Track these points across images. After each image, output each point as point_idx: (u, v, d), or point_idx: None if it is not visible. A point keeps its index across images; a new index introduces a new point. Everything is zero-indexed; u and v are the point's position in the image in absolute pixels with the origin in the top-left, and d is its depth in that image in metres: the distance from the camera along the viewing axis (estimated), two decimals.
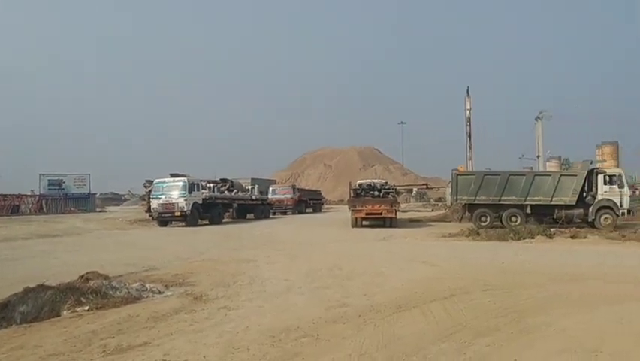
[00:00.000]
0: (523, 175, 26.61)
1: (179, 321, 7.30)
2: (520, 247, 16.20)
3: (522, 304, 7.86)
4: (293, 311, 7.75)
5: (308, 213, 46.38)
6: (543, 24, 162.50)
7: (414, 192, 74.04)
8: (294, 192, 45.58)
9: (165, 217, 29.28)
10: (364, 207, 26.65)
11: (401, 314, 7.41)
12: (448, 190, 31.26)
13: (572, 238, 18.65)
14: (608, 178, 25.57)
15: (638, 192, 49.37)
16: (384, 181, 30.97)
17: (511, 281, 9.73)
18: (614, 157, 57.53)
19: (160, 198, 29.14)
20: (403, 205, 43.33)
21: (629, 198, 25.79)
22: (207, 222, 30.47)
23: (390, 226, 26.38)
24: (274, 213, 41.65)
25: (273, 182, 56.23)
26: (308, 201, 49.35)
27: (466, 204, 26.56)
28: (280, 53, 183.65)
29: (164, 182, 30.14)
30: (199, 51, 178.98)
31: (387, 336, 6.37)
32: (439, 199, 61.01)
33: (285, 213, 43.30)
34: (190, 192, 29.22)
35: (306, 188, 61.85)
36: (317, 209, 51.05)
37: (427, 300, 8.26)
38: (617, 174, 25.84)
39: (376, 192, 28.25)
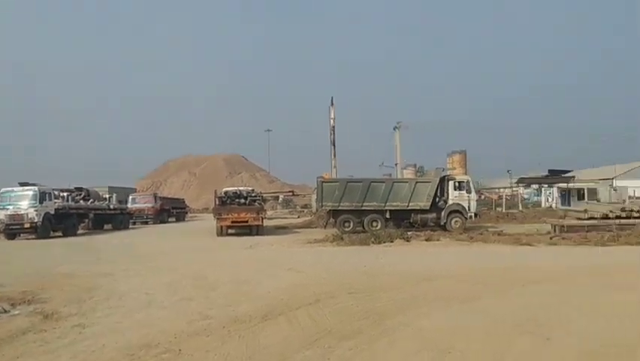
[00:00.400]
0: (383, 182, 27.93)
1: (27, 343, 6.65)
2: (380, 251, 16.89)
3: (383, 306, 8.15)
4: (154, 326, 7.36)
5: (171, 222, 44.82)
6: (399, 39, 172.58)
7: (280, 199, 74.72)
8: (155, 201, 43.82)
9: (13, 229, 26.87)
10: (230, 215, 26.33)
11: (266, 323, 7.34)
12: (314, 197, 31.91)
13: (426, 240, 19.86)
14: (457, 184, 27.54)
15: (483, 196, 54.16)
16: (250, 189, 30.80)
17: (373, 284, 10.07)
18: (463, 165, 62.48)
19: (7, 209, 26.64)
20: (269, 213, 43.43)
21: (476, 203, 28.08)
22: (61, 233, 28.32)
23: (257, 234, 26.29)
24: (134, 223, 39.75)
25: (132, 190, 53.64)
26: (171, 210, 47.74)
27: (330, 210, 27.18)
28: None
29: (12, 191, 27.64)
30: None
31: (252, 347, 6.26)
32: (305, 206, 62.03)
33: (146, 222, 41.48)
34: (41, 202, 27.01)
35: (169, 196, 59.84)
36: (180, 218, 49.54)
37: (292, 307, 8.27)
38: (465, 181, 27.96)
39: (242, 200, 28.02)
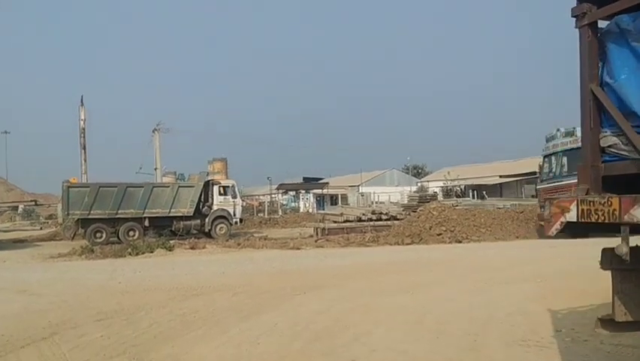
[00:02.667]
0: (142, 187, 25.42)
1: None
2: (139, 263, 14.80)
3: (143, 333, 6.41)
4: None
5: None
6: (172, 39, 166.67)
7: (20, 209, 65.48)
8: None
9: None
10: None
11: None
12: (60, 206, 27.98)
13: (191, 248, 18.25)
14: (222, 189, 26.54)
15: (245, 203, 54.35)
16: None
17: (130, 304, 8.20)
18: (224, 172, 62.14)
19: None
20: (6, 225, 37.22)
21: (241, 208, 27.35)
22: None
23: None
24: None
25: None
26: None
27: (79, 219, 23.93)
28: None
29: None
30: None
31: None
32: (50, 216, 55.14)
33: None
34: None
35: None
36: None
37: (16, 345, 6.06)
38: (230, 185, 27.08)
39: None
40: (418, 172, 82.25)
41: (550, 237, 14.01)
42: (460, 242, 17.80)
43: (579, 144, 14.82)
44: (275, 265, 13.09)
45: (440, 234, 18.20)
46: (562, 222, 3.90)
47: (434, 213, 19.93)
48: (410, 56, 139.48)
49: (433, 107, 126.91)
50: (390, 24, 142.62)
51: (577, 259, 11.98)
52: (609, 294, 7.77)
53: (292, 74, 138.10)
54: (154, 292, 9.39)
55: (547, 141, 18.61)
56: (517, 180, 53.42)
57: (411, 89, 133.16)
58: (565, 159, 17.88)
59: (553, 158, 18.49)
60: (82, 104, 35.17)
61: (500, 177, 55.48)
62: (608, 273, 4.31)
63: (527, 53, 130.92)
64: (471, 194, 48.93)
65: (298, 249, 17.49)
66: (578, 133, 17.40)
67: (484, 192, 48.29)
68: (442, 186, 56.93)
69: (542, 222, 18.51)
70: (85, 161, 35.11)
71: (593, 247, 14.08)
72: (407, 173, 78.58)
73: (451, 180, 59.14)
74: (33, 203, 71.35)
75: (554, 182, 18.01)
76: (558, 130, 18.02)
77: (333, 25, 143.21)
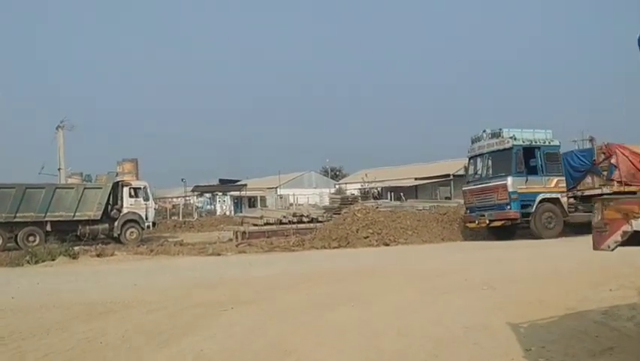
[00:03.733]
0: (43, 188, 23.24)
1: None
2: (38, 273, 13.08)
3: None
4: None
5: None
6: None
7: None
8: None
9: None
10: None
11: None
12: None
13: (98, 256, 16.56)
14: (133, 191, 24.85)
15: (157, 206, 51.83)
16: None
17: (22, 326, 6.81)
18: (135, 173, 59.01)
19: None
20: None
21: (154, 211, 25.71)
22: None
23: None
24: None
25: None
26: None
27: None
28: None
29: None
30: None
31: None
32: None
33: None
34: None
35: None
36: None
37: None
38: (142, 187, 25.42)
39: None
40: (335, 174, 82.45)
41: (475, 239, 13.64)
42: (388, 245, 17.31)
43: (505, 146, 14.75)
44: (194, 274, 11.85)
45: (367, 237, 17.64)
46: (625, 232, 2.90)
47: (359, 215, 19.40)
48: (326, 58, 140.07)
49: (351, 108, 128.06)
50: (299, 26, 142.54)
51: (516, 262, 11.73)
52: (567, 304, 7.39)
53: (206, 71, 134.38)
54: (53, 310, 7.97)
55: (473, 142, 18.55)
56: (431, 183, 54.55)
57: (328, 90, 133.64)
58: (491, 161, 17.87)
59: (479, 159, 18.45)
60: None
61: (415, 179, 56.45)
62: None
63: (440, 55, 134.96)
64: (388, 196, 49.26)
65: (219, 255, 16.31)
66: (505, 134, 17.43)
67: (402, 194, 48.83)
68: (359, 188, 57.15)
69: (469, 224, 18.57)
70: None
71: (526, 249, 13.99)
72: (325, 175, 78.56)
73: (369, 182, 59.52)
74: None
75: (480, 183, 17.96)
76: (484, 131, 17.99)
77: (245, 20, 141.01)
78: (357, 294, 8.40)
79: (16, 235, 21.83)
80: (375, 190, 57.50)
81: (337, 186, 65.76)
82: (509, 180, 16.88)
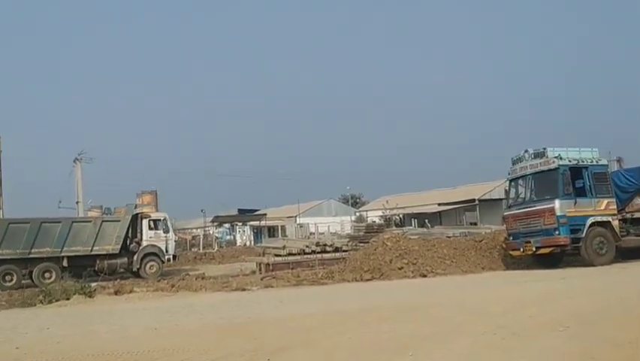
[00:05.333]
0: (59, 222, 22.47)
1: None
2: (50, 315, 12.03)
3: None
4: None
5: None
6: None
7: None
8: None
9: None
10: None
11: None
12: None
13: (116, 293, 15.50)
14: (152, 223, 24.02)
15: (178, 237, 51.04)
16: None
17: None
18: (155, 205, 58.47)
19: None
20: None
21: (174, 243, 24.82)
22: None
23: None
24: None
25: None
26: None
27: None
28: None
29: None
30: None
31: None
32: None
33: None
34: None
35: None
36: None
37: None
38: (162, 219, 24.59)
39: None
40: (355, 202, 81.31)
41: (518, 267, 12.28)
42: (425, 276, 16.00)
43: (551, 166, 13.51)
44: (220, 314, 10.70)
45: (402, 267, 16.34)
46: None
47: (389, 244, 18.16)
48: (343, 87, 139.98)
49: (366, 132, 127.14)
50: (324, 59, 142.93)
51: (578, 295, 10.46)
52: None
53: (223, 100, 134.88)
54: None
55: (514, 163, 17.28)
56: (456, 208, 53.04)
57: (344, 117, 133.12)
58: (535, 183, 16.62)
59: (521, 181, 17.20)
60: None
61: (439, 204, 54.98)
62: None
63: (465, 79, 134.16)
64: (412, 222, 47.84)
65: (244, 290, 15.15)
66: (549, 154, 16.20)
67: (426, 221, 47.41)
68: (380, 215, 55.85)
69: (512, 252, 17.21)
70: (0, 195, 31.54)
71: (582, 279, 12.66)
72: (345, 203, 77.43)
73: (390, 208, 58.21)
74: None
75: (524, 207, 16.67)
76: (526, 151, 16.75)
77: (268, 49, 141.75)
78: (410, 338, 7.22)
79: (31, 272, 21.04)
80: (397, 217, 56.15)
81: (358, 214, 64.52)
82: (557, 203, 15.53)
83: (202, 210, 59.32)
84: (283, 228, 56.59)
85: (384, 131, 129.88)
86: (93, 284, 16.60)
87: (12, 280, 20.74)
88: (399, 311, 9.64)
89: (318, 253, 21.91)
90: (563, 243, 15.54)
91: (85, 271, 20.93)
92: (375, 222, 41.38)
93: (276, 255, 22.74)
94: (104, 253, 22.16)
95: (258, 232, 55.93)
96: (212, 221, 57.01)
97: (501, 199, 51.29)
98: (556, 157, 15.79)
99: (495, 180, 54.63)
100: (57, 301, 14.22)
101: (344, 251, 21.62)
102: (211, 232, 55.69)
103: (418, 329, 7.76)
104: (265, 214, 58.95)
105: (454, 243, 18.81)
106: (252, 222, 57.31)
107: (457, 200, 53.48)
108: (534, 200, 16.55)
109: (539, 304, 9.36)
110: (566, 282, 12.98)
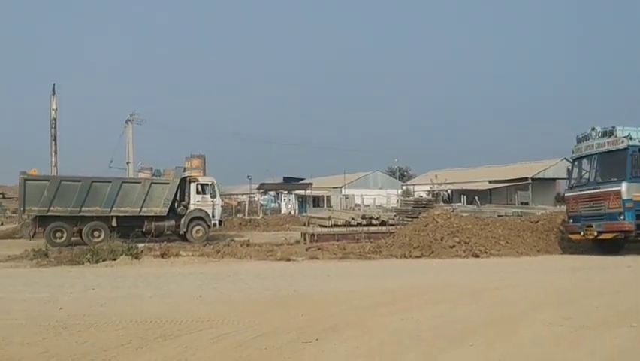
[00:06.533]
0: (109, 182, 22.67)
1: None
2: (96, 275, 12.03)
3: None
4: None
5: None
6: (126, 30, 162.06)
7: None
8: None
9: None
10: None
11: None
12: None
13: (162, 256, 15.47)
14: (200, 187, 23.99)
15: (224, 203, 51.49)
16: None
17: (59, 353, 5.57)
18: (202, 169, 59.01)
19: None
20: None
21: (220, 209, 24.78)
22: None
23: None
24: None
25: None
26: None
27: (37, 216, 21.26)
28: None
29: None
30: None
31: None
32: (16, 211, 51.53)
33: None
34: None
35: None
36: None
37: None
38: (209, 183, 24.55)
39: None
40: (402, 175, 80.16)
41: (576, 252, 11.36)
42: (478, 256, 15.30)
43: (619, 146, 12.43)
44: (265, 284, 10.40)
45: (454, 246, 15.68)
46: None
47: (439, 220, 17.47)
48: (399, 59, 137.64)
49: (421, 108, 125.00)
50: (380, 27, 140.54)
51: None
52: None
53: (276, 71, 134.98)
54: (103, 328, 6.71)
55: (579, 141, 16.19)
56: (507, 187, 51.45)
57: (398, 89, 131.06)
58: (601, 163, 15.56)
59: (585, 161, 16.14)
60: (53, 93, 32.36)
61: (490, 182, 53.47)
62: None
63: (524, 55, 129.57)
64: (461, 199, 46.63)
65: (288, 260, 14.87)
66: (618, 133, 15.08)
67: (476, 198, 46.18)
68: (428, 190, 54.80)
69: (572, 235, 16.26)
70: (55, 153, 32.34)
71: None
72: (391, 176, 76.47)
73: (438, 183, 57.04)
74: (0, 195, 67.60)
75: (588, 189, 15.67)
76: (593, 129, 15.62)
77: (319, 23, 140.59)
78: (469, 323, 6.71)
79: (81, 230, 21.37)
80: (445, 193, 54.96)
81: (405, 188, 63.59)
82: (624, 185, 14.47)
83: (248, 177, 59.76)
84: (328, 198, 56.27)
85: (433, 106, 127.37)
86: (140, 245, 16.63)
87: (62, 237, 21.12)
88: (453, 293, 9.10)
89: (364, 225, 21.45)
90: (627, 228, 14.51)
91: (133, 231, 21.04)
92: (422, 196, 40.54)
93: (321, 225, 22.38)
94: (152, 214, 22.29)
95: (302, 201, 55.89)
96: (259, 188, 57.28)
97: (554, 179, 49.76)
98: (625, 137, 14.65)
99: (550, 158, 52.74)
100: (104, 260, 14.30)
101: (391, 225, 21.07)
102: (256, 199, 55.99)
103: (475, 315, 7.22)
104: (311, 184, 58.79)
105: (508, 223, 17.98)
106: (297, 191, 57.26)
107: (509, 178, 51.87)
108: (599, 181, 15.50)
109: (602, 294, 8.69)
110: (633, 271, 12.13)
